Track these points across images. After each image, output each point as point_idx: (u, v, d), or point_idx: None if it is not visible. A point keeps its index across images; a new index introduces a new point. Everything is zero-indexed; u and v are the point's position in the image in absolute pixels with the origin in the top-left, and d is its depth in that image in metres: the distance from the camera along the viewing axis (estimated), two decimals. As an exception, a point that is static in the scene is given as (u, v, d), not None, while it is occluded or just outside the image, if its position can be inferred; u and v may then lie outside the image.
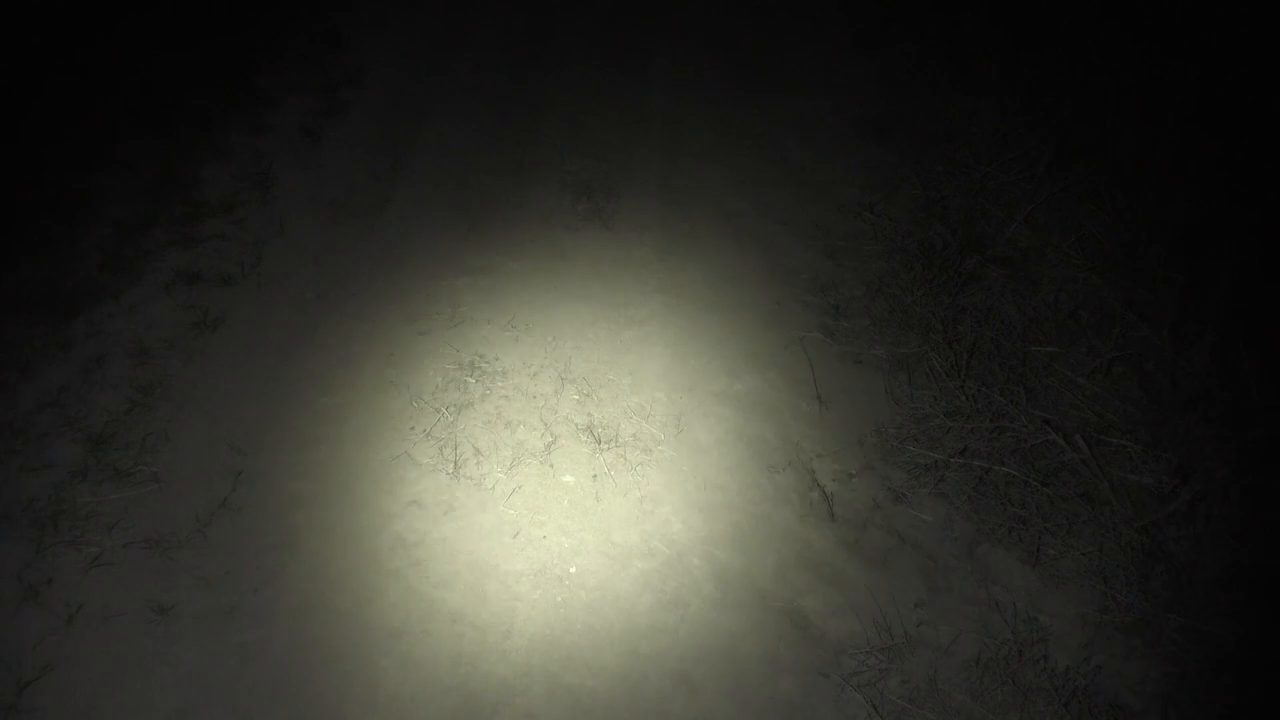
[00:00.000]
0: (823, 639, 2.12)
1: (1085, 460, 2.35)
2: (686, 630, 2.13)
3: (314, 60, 4.26)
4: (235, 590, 2.17)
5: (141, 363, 2.74)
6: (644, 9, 4.78)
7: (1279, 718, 1.96)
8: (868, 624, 2.14)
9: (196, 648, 2.06)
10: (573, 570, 2.25)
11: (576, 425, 2.60)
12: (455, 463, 2.49)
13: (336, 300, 3.01)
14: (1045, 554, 2.27)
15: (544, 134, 3.82)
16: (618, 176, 3.60)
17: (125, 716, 1.94)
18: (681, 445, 2.57)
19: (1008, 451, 2.45)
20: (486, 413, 2.64)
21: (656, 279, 3.12)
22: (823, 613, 2.17)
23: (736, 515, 2.39)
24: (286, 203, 3.43)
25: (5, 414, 2.55)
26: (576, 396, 2.69)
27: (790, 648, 2.10)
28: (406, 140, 3.79)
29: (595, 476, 2.48)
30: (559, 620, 2.14)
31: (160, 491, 2.39)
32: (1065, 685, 1.98)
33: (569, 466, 2.50)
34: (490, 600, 2.18)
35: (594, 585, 2.22)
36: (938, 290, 2.95)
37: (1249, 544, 2.11)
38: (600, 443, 2.55)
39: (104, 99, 3.80)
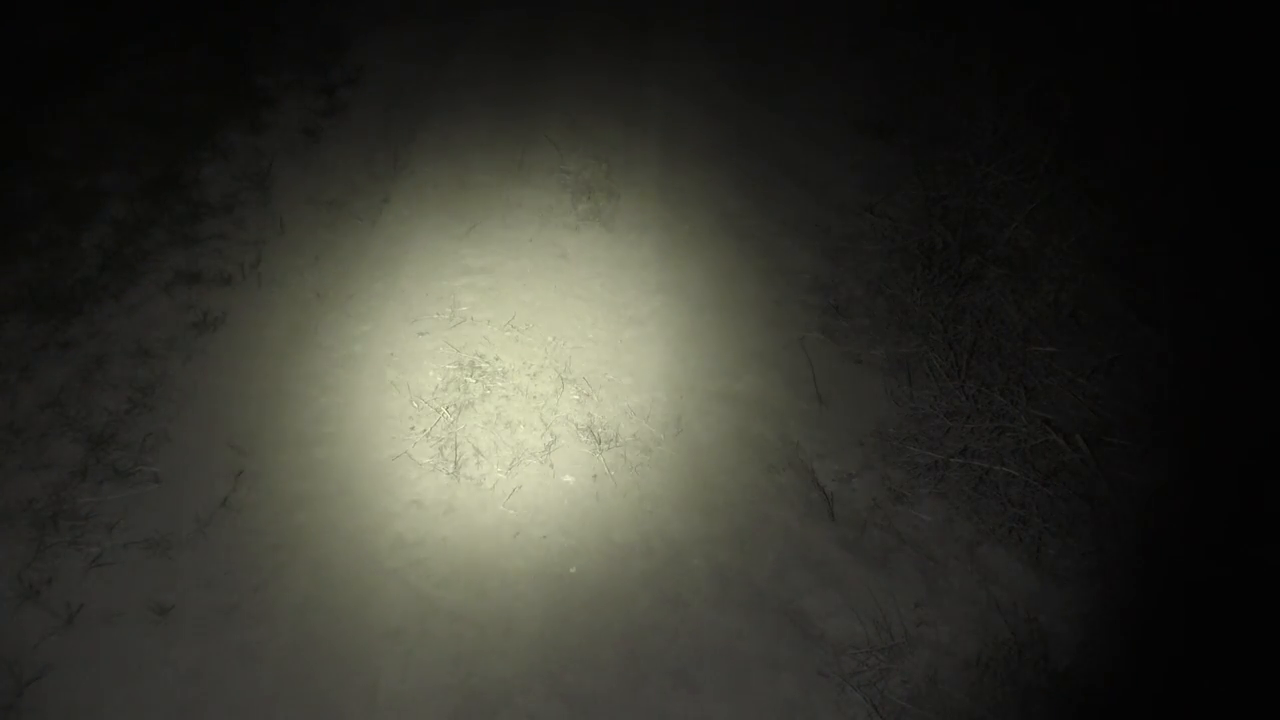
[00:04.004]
0: (823, 639, 2.12)
1: (1085, 460, 2.35)
2: (686, 630, 2.13)
3: (314, 60, 4.26)
4: (235, 590, 2.17)
5: (141, 363, 2.74)
6: (644, 9, 4.78)
7: None
8: (868, 624, 2.14)
9: (196, 648, 2.06)
10: (573, 570, 2.25)
11: (576, 425, 2.60)
12: (455, 463, 2.49)
13: (336, 300, 3.01)
14: (1045, 554, 2.27)
15: (544, 134, 3.82)
16: (618, 176, 3.60)
17: (125, 716, 1.94)
18: (681, 445, 2.57)
19: (1008, 451, 2.45)
20: (486, 413, 2.64)
21: (656, 279, 3.12)
22: (823, 613, 2.17)
23: (736, 515, 2.39)
24: (286, 203, 3.43)
25: (5, 414, 2.55)
26: (576, 396, 2.70)
27: (790, 648, 2.10)
28: (406, 140, 3.79)
29: (595, 476, 2.48)
30: (559, 620, 2.14)
31: (160, 491, 2.39)
32: (1065, 685, 1.98)
33: (569, 466, 2.50)
34: (490, 600, 2.18)
35: (594, 585, 2.22)
36: (938, 290, 2.95)
37: (1249, 544, 2.11)
38: (600, 443, 2.55)
39: (104, 99, 3.80)
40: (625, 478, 2.47)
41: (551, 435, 2.58)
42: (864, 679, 2.03)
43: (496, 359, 2.81)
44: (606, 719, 1.97)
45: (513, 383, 2.73)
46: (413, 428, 2.59)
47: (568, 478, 2.47)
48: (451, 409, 2.64)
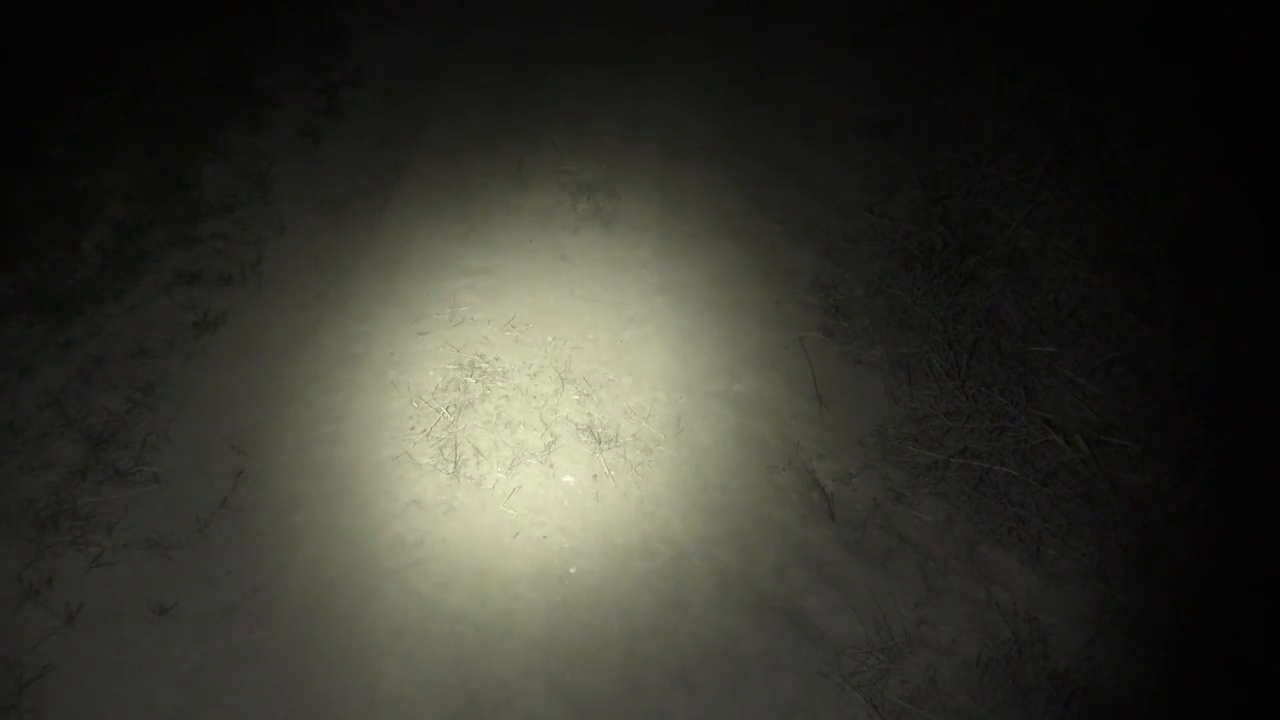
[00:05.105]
0: (823, 639, 2.12)
1: (1085, 460, 2.35)
2: (686, 630, 2.13)
3: (314, 60, 4.26)
4: (235, 590, 2.17)
5: (141, 363, 2.74)
6: (644, 9, 4.78)
7: None
8: (868, 624, 2.14)
9: (196, 648, 2.06)
10: (573, 570, 2.25)
11: (576, 425, 2.60)
12: (455, 463, 2.49)
13: (336, 300, 3.01)
14: (1045, 554, 2.27)
15: (544, 134, 3.82)
16: (618, 177, 3.60)
17: (125, 716, 1.94)
18: (681, 445, 2.57)
19: (1008, 451, 2.45)
20: (486, 413, 2.64)
21: (656, 279, 3.13)
22: (823, 613, 2.17)
23: (736, 515, 2.39)
24: (286, 203, 3.43)
25: (5, 414, 2.55)
26: (576, 396, 2.70)
27: (790, 648, 2.10)
28: (406, 140, 3.79)
29: (595, 477, 2.48)
30: (559, 621, 2.14)
31: (160, 491, 2.39)
32: (1065, 685, 1.98)
33: (569, 466, 2.50)
34: (490, 600, 2.18)
35: (594, 585, 2.22)
36: (938, 290, 2.95)
37: (1249, 544, 2.11)
38: (600, 443, 2.55)
39: (104, 99, 3.80)
40: (625, 478, 2.47)
41: (551, 435, 2.58)
42: (864, 679, 2.03)
43: (496, 359, 2.81)
44: (607, 719, 1.97)
45: (513, 383, 2.73)
46: (413, 428, 2.59)
47: (568, 478, 2.47)
48: (451, 409, 2.64)
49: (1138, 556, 2.17)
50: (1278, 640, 1.98)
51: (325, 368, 2.77)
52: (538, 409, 2.65)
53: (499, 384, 2.73)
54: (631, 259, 3.21)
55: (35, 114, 3.66)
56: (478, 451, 2.53)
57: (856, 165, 3.66)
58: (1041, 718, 1.95)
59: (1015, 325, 2.79)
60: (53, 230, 3.18)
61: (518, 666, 2.05)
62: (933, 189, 3.38)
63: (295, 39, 4.40)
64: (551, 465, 2.50)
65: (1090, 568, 2.22)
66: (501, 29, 4.59)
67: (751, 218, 3.41)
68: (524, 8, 4.76)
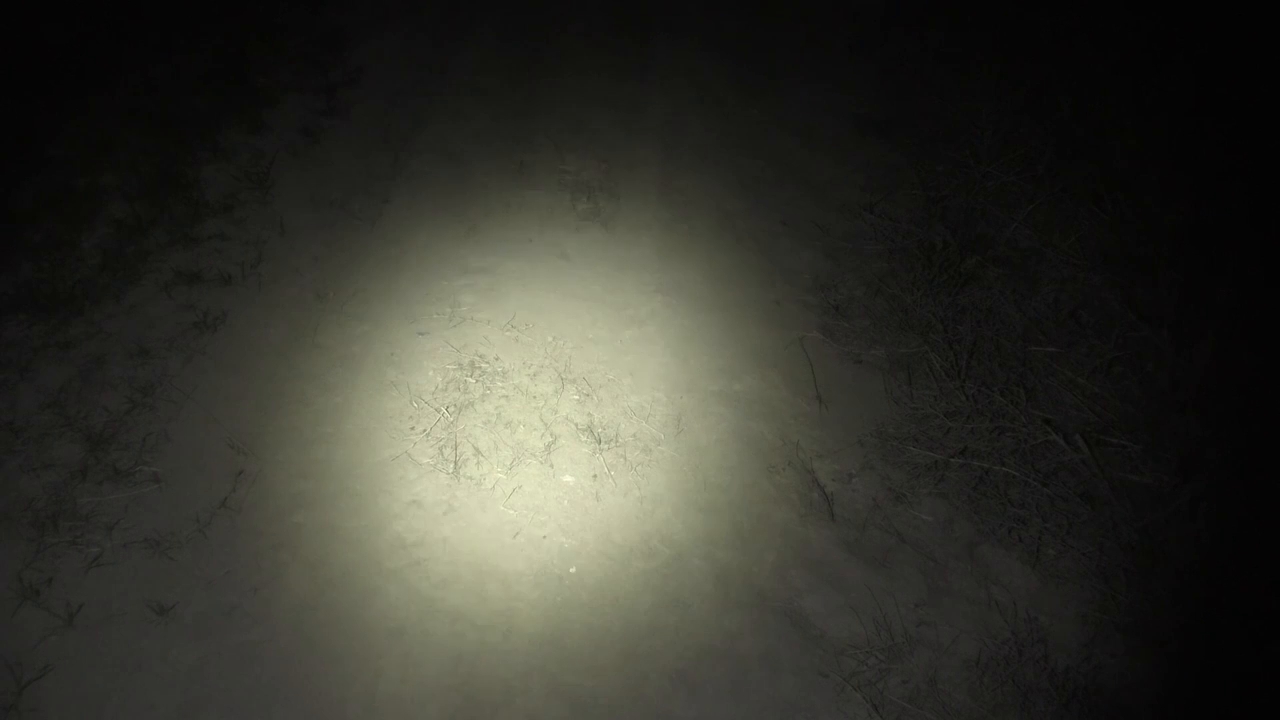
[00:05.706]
0: (823, 639, 2.12)
1: (1085, 460, 2.35)
2: (686, 630, 2.13)
3: (314, 60, 4.26)
4: (235, 590, 2.17)
5: (141, 363, 2.74)
6: (643, 9, 4.78)
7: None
8: (868, 624, 2.14)
9: (196, 648, 2.06)
10: (573, 570, 2.25)
11: (576, 425, 2.60)
12: (455, 463, 2.49)
13: (336, 300, 3.01)
14: (1045, 554, 2.27)
15: (544, 134, 3.82)
16: (618, 176, 3.60)
17: (125, 716, 1.94)
18: (681, 445, 2.57)
19: (1008, 451, 2.45)
20: (486, 413, 2.64)
21: (656, 279, 3.13)
22: (823, 613, 2.17)
23: (736, 515, 2.39)
24: (286, 203, 3.43)
25: (5, 414, 2.55)
26: (576, 396, 2.70)
27: (790, 648, 2.10)
28: (406, 140, 3.79)
29: (595, 476, 2.48)
30: (559, 620, 2.14)
31: (160, 491, 2.39)
32: (1065, 685, 1.98)
33: (569, 466, 2.50)
34: (490, 600, 2.18)
35: (594, 585, 2.22)
36: (938, 290, 2.95)
37: (1249, 544, 2.11)
38: (600, 443, 2.55)
39: (104, 99, 3.80)
40: (625, 478, 2.47)
41: (551, 435, 2.58)
42: (864, 679, 2.03)
43: (496, 359, 2.81)
44: (606, 719, 1.97)
45: (513, 383, 2.73)
46: (413, 428, 2.59)
47: (568, 478, 2.47)
48: (451, 409, 2.64)
49: (1138, 556, 2.18)
50: (1278, 640, 1.98)
51: (325, 368, 2.77)
52: (538, 409, 2.65)
53: (499, 384, 2.73)
54: (631, 259, 3.21)
55: (35, 114, 3.66)
56: (478, 451, 2.53)
57: (856, 165, 3.66)
58: (1041, 718, 1.95)
59: (1015, 325, 2.79)
60: (53, 230, 3.18)
61: (518, 666, 2.05)
62: (933, 189, 3.39)
63: (295, 39, 4.40)
64: (551, 465, 2.50)
65: (1090, 568, 2.22)
66: (501, 29, 4.60)
67: (752, 218, 3.42)
68: (524, 8, 4.76)
